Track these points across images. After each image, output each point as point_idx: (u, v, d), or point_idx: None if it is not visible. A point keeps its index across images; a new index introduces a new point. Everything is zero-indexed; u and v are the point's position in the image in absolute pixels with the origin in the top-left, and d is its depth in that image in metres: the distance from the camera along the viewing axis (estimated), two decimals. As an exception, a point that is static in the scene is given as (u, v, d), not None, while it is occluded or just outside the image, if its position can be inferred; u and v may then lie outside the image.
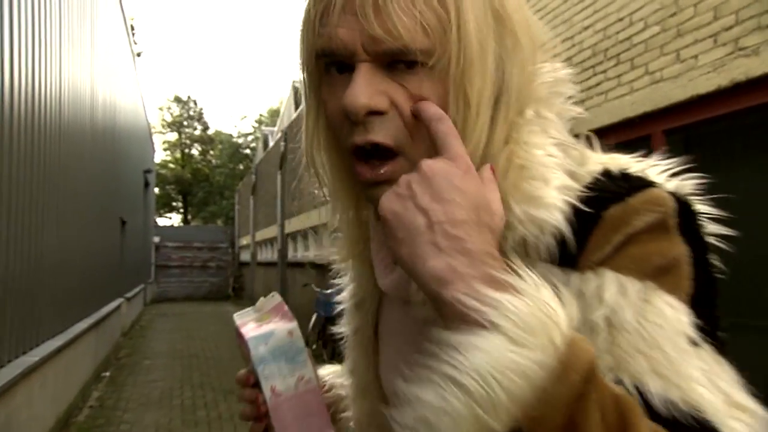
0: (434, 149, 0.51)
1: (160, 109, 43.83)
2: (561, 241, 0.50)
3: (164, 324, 14.22)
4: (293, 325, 0.70)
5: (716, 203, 0.61)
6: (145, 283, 17.35)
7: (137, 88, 14.70)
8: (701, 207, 0.55)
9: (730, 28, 2.68)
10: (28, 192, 4.02)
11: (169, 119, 44.14)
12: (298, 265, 12.37)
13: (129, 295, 11.98)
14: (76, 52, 6.21)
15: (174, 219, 44.87)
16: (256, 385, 0.69)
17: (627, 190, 0.51)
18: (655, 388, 0.46)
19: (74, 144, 5.82)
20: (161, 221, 40.65)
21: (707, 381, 0.47)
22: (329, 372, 0.87)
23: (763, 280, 2.69)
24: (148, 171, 16.62)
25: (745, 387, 0.49)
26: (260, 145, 25.05)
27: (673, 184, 0.55)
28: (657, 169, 0.56)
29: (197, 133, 44.22)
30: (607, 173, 0.53)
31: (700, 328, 0.48)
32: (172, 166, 43.49)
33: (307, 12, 0.56)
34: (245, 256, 21.60)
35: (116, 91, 9.96)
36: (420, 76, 0.52)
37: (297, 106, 13.44)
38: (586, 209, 0.50)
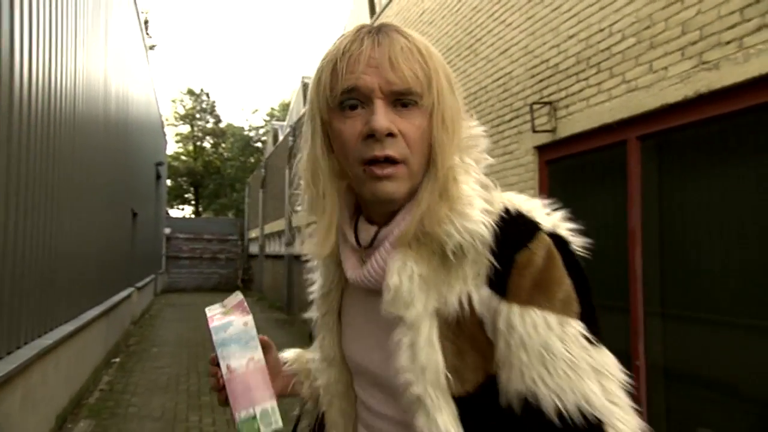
0: (425, 163, 0.79)
1: (173, 101, 44.22)
2: (491, 268, 0.73)
3: (173, 314, 14.55)
4: (249, 317, 0.95)
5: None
6: (155, 273, 17.70)
7: (150, 81, 14.97)
8: (569, 234, 0.80)
9: (695, 42, 2.87)
10: (44, 184, 4.28)
11: (182, 112, 44.57)
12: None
13: (139, 284, 12.29)
14: (90, 46, 6.46)
15: (186, 210, 45.37)
16: (218, 364, 0.94)
17: (527, 235, 0.73)
18: (572, 398, 0.68)
19: (87, 136, 6.08)
20: (173, 213, 41.17)
21: (600, 388, 0.69)
22: (309, 351, 1.10)
23: (727, 278, 2.89)
24: (159, 163, 16.92)
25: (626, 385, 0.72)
26: (270, 139, 25.32)
27: (550, 222, 0.78)
28: (541, 210, 0.80)
29: (209, 125, 44.63)
30: (507, 211, 0.77)
31: (593, 334, 0.72)
32: (184, 158, 43.94)
33: (334, 68, 0.79)
34: (254, 249, 21.91)
35: (129, 84, 10.23)
36: (413, 112, 0.78)
37: (306, 101, 13.63)
38: (504, 249, 0.73)
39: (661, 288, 3.25)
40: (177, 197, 43.95)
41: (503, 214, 0.76)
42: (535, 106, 4.20)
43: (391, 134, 0.76)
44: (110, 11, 8.08)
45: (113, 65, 8.28)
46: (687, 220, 3.11)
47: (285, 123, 21.79)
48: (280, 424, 0.91)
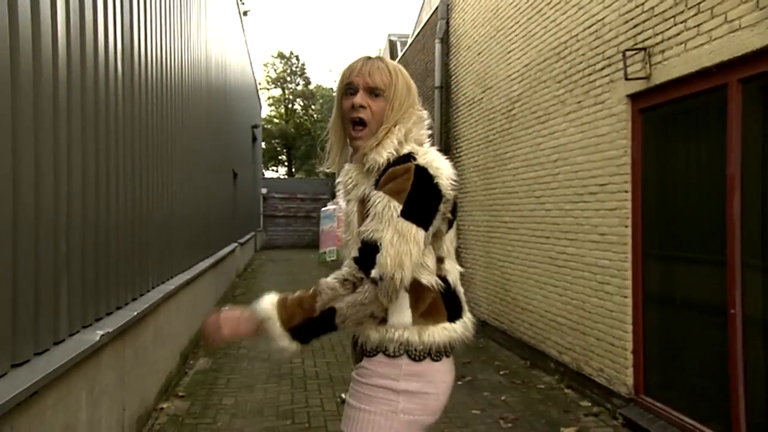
0: (379, 126, 1.60)
1: (265, 65, 45.54)
2: (378, 177, 1.52)
3: (272, 268, 15.44)
4: (337, 207, 2.10)
5: None
6: (255, 231, 18.73)
7: (245, 47, 15.54)
8: (440, 170, 1.49)
9: (805, -24, 2.70)
10: (163, 150, 4.72)
11: (273, 75, 45.92)
12: (394, 215, 12.87)
13: (242, 240, 13.12)
14: (192, 18, 6.87)
15: (280, 171, 47.12)
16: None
17: (401, 162, 1.49)
18: (368, 234, 1.44)
19: (193, 104, 6.55)
20: (268, 174, 42.95)
21: (391, 233, 1.41)
22: None
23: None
24: (255, 126, 17.68)
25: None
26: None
27: (424, 161, 1.49)
28: (426, 155, 1.51)
29: (299, 88, 45.72)
30: (405, 155, 1.53)
31: (403, 215, 1.42)
32: (276, 121, 45.45)
33: (344, 74, 1.65)
34: (345, 207, 22.50)
35: (227, 51, 10.74)
36: (378, 99, 1.60)
37: (393, 58, 13.66)
38: (387, 168, 1.51)
39: (762, 238, 3.17)
40: (271, 159, 45.73)
41: (400, 155, 1.53)
42: (629, 53, 4.08)
43: (362, 106, 1.59)
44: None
45: (212, 35, 8.74)
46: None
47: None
48: (335, 257, 2.54)
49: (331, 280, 1.46)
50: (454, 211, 1.57)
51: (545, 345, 5.44)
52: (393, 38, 17.31)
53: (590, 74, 4.67)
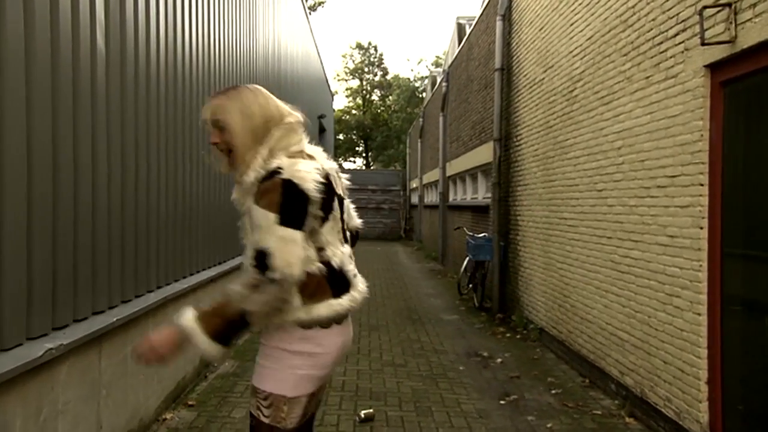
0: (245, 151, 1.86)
1: (344, 56, 45.74)
2: (256, 193, 1.79)
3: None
4: None
5: None
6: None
7: (310, 37, 15.31)
8: (304, 178, 1.77)
9: None
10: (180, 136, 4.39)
11: (351, 66, 45.98)
12: (457, 208, 12.23)
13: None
14: (265, 13, 6.61)
15: (357, 162, 47.27)
16: None
17: (269, 178, 1.76)
18: (258, 243, 1.72)
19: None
20: (346, 165, 43.11)
21: (274, 240, 1.69)
22: None
23: None
24: (321, 116, 17.47)
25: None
26: (429, 86, 24.90)
27: (288, 173, 1.75)
28: (290, 167, 1.77)
29: (377, 79, 45.51)
30: (272, 170, 1.78)
31: (281, 222, 1.71)
32: (354, 112, 45.52)
33: None
34: (415, 199, 22.01)
35: (284, 41, 10.48)
36: (224, 131, 1.87)
37: (460, 42, 12.95)
38: (259, 184, 1.78)
39: None
40: (348, 150, 45.95)
41: (268, 170, 1.79)
42: (708, 11, 3.27)
43: (213, 142, 1.91)
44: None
45: (282, 28, 8.47)
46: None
47: (442, 69, 21.20)
48: None
49: (237, 287, 1.72)
50: (326, 207, 1.86)
51: (605, 362, 4.69)
52: (461, 21, 16.48)
53: (661, 42, 3.87)
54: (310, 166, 1.80)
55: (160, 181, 4.00)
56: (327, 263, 1.87)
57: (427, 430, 3.95)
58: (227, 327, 1.74)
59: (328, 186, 1.84)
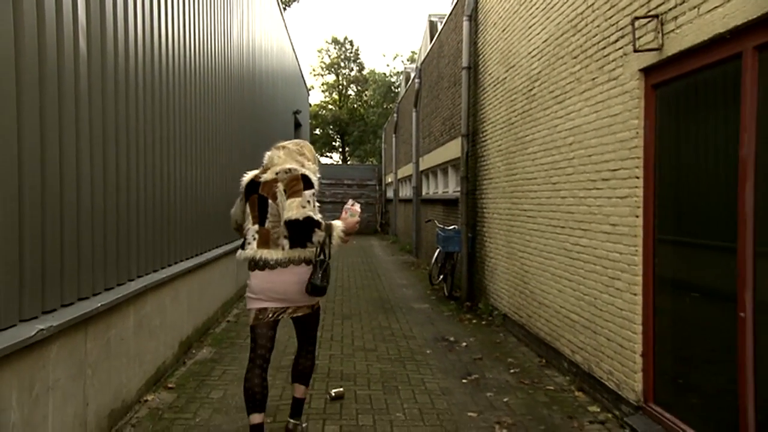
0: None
1: (319, 51, 45.66)
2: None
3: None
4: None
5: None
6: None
7: (285, 34, 15.46)
8: (312, 175, 3.35)
9: None
10: (183, 139, 4.61)
11: (328, 61, 46.02)
12: (430, 201, 12.56)
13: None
14: (239, 10, 6.79)
15: (335, 157, 47.36)
16: None
17: (294, 173, 3.28)
18: (296, 214, 3.13)
19: (212, 90, 6.46)
20: (324, 160, 43.13)
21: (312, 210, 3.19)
22: None
23: None
24: (296, 112, 17.64)
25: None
26: (403, 82, 25.16)
27: (307, 171, 3.34)
28: (308, 169, 3.36)
29: (353, 73, 45.64)
30: (301, 174, 3.28)
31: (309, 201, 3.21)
32: (330, 107, 45.60)
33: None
34: (390, 193, 22.31)
35: (267, 39, 10.67)
36: None
37: (432, 39, 13.24)
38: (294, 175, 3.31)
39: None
40: (325, 144, 45.99)
41: (295, 171, 3.29)
42: (640, 21, 3.62)
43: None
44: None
45: (257, 26, 8.65)
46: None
47: (415, 65, 21.48)
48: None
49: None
50: (245, 199, 3.46)
51: (559, 343, 5.05)
52: (433, 19, 16.80)
53: (604, 47, 4.22)
54: (246, 176, 3.50)
55: (139, 178, 4.23)
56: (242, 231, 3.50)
57: (393, 407, 4.26)
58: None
59: (246, 188, 3.43)
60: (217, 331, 6.40)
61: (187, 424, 3.84)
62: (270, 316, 3.32)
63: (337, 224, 3.30)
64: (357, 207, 3.49)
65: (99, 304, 3.37)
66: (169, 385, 4.55)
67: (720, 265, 3.11)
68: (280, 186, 3.25)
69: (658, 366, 3.65)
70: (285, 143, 3.50)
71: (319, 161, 3.77)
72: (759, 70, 2.74)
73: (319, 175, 3.38)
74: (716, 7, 2.95)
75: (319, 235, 3.15)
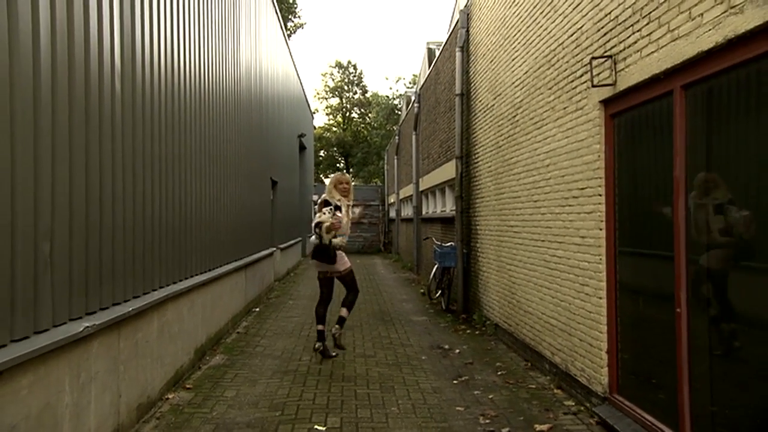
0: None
1: (323, 75, 46.63)
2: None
3: (315, 272, 15.89)
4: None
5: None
6: (303, 236, 19.34)
7: (290, 60, 16.16)
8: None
9: (722, -15, 2.78)
10: (167, 149, 5.18)
11: (332, 85, 47.04)
12: (430, 220, 13.09)
13: (282, 245, 13.65)
14: (248, 40, 7.40)
15: (338, 179, 47.88)
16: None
17: (322, 198, 6.33)
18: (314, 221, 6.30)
19: (218, 114, 7.05)
20: (327, 181, 43.76)
21: (319, 218, 6.24)
22: None
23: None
24: (301, 135, 18.30)
25: None
26: (404, 105, 25.88)
27: (325, 196, 6.40)
28: (332, 196, 6.35)
29: (357, 96, 46.58)
30: (322, 199, 6.37)
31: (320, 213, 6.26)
32: (335, 129, 46.47)
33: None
34: (393, 213, 22.85)
35: (263, 65, 11.29)
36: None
37: (430, 66, 13.89)
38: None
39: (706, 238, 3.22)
40: (329, 166, 46.73)
41: (322, 198, 6.38)
42: (599, 60, 4.18)
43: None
44: (257, 12, 9.04)
45: (263, 54, 9.29)
46: (732, 169, 3.05)
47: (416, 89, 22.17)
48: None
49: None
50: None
51: (542, 346, 5.54)
52: (431, 46, 17.54)
53: (572, 81, 4.78)
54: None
55: (162, 200, 4.79)
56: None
57: (389, 402, 4.74)
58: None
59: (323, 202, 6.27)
60: (228, 341, 6.90)
61: (205, 417, 4.33)
62: (320, 276, 6.45)
63: (324, 224, 6.04)
64: (339, 215, 6.14)
65: (130, 309, 3.89)
66: (187, 386, 5.05)
67: (665, 269, 3.62)
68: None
69: (621, 361, 4.14)
70: (328, 181, 5.21)
71: (351, 188, 6.38)
72: (686, 104, 3.28)
73: (353, 197, 6.53)
74: (653, 52, 3.50)
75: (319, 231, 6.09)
